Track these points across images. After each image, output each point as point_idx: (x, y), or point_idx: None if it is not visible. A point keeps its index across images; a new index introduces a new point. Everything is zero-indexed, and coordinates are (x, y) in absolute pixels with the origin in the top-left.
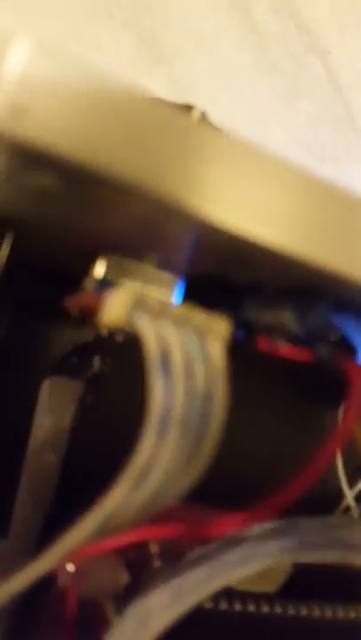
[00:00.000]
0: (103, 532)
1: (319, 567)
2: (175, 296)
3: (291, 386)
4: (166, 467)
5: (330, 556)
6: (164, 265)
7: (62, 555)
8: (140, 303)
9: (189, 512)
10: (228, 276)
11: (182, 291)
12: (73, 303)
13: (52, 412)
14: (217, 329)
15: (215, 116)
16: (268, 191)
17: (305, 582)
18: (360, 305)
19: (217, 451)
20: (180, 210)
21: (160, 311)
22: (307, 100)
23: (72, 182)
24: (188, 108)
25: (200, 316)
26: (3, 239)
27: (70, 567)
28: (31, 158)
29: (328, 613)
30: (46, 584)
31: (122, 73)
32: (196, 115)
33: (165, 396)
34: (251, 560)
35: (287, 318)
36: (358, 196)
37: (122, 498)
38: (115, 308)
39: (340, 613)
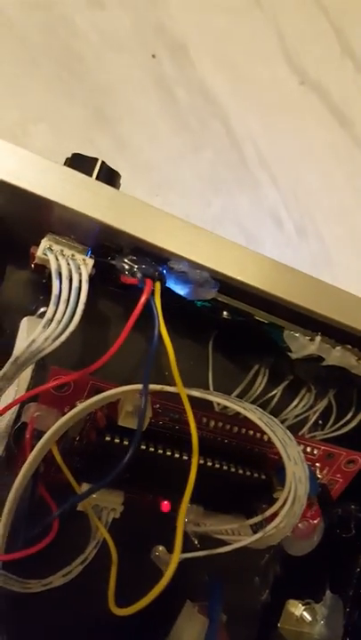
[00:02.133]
0: None
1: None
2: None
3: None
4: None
5: None
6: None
7: None
8: (50, 249)
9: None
10: (105, 243)
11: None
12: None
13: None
14: (87, 262)
15: (143, 164)
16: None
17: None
18: (153, 254)
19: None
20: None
21: (59, 253)
22: (210, 149)
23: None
24: (94, 160)
25: (80, 257)
26: None
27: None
28: None
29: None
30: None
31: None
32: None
33: (58, 288)
34: None
35: (129, 265)
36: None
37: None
38: (39, 251)
39: (177, 455)
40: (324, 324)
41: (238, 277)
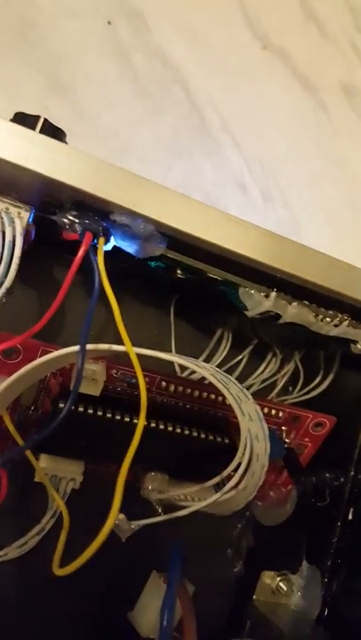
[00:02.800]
0: None
1: None
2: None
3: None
4: None
5: None
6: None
7: None
8: None
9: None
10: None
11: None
12: None
13: None
14: (22, 216)
15: (101, 130)
16: None
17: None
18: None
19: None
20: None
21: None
22: (170, 114)
23: None
24: (36, 117)
25: (14, 210)
26: None
27: None
28: None
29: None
30: None
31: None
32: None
33: None
34: None
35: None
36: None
37: None
38: None
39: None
40: (281, 280)
41: (182, 228)
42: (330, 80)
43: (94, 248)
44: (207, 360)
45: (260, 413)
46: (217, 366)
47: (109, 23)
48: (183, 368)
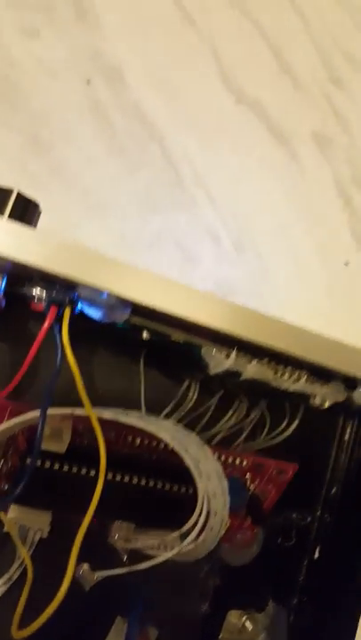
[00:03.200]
0: None
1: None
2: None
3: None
4: None
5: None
6: None
7: None
8: None
9: None
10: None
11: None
12: None
13: None
14: None
15: (80, 187)
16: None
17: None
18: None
19: None
20: None
21: None
22: (146, 171)
23: None
24: (9, 191)
25: None
26: None
27: None
28: None
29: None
30: None
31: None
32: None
33: None
34: None
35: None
36: None
37: None
38: None
39: (110, 476)
40: (239, 340)
41: (144, 302)
42: (302, 131)
43: (60, 317)
44: (175, 408)
45: (220, 470)
46: (185, 414)
47: (88, 82)
48: None
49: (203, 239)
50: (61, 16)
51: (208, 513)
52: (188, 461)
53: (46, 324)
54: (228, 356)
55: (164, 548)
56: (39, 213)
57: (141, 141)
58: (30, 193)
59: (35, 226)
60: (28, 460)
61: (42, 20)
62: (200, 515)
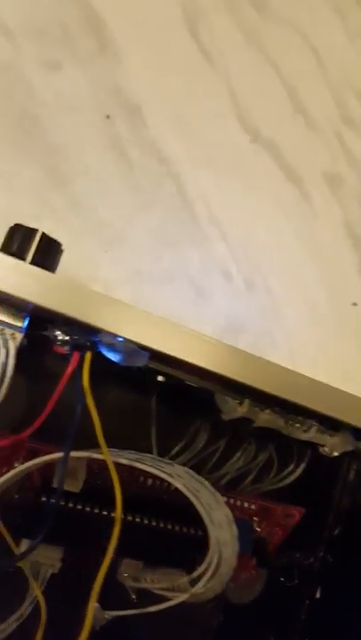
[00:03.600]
0: None
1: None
2: (24, 322)
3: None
4: None
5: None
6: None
7: None
8: None
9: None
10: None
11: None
12: None
13: None
14: (15, 337)
15: (95, 221)
16: None
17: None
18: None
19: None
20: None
21: None
22: (161, 207)
23: None
24: (34, 231)
25: (8, 331)
26: None
27: None
28: None
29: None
30: None
31: (36, 194)
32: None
33: None
34: None
35: (61, 335)
36: None
37: None
38: None
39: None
40: (253, 389)
41: (164, 351)
42: (314, 170)
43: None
44: (185, 448)
45: (230, 516)
46: (194, 455)
47: (108, 117)
48: None
49: (215, 276)
50: (83, 49)
51: (219, 560)
52: (201, 509)
53: (68, 371)
54: (241, 403)
55: (172, 589)
56: (61, 252)
57: (158, 177)
58: (48, 226)
59: (56, 266)
60: (43, 498)
61: (63, 53)
62: (211, 562)
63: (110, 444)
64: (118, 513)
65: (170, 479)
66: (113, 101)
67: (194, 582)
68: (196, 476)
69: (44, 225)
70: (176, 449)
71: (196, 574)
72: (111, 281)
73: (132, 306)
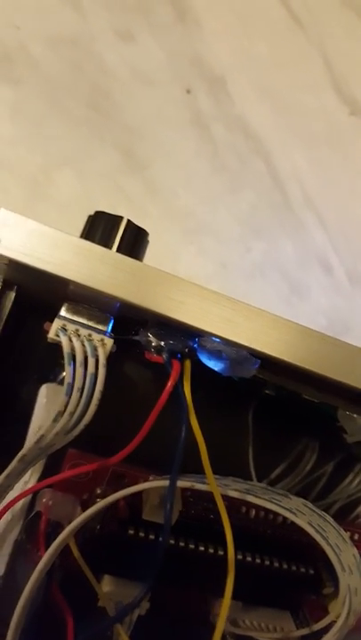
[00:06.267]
0: None
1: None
2: (108, 325)
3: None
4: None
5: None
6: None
7: None
8: (63, 329)
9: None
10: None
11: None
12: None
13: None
14: (105, 343)
15: (177, 209)
16: None
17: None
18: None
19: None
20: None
21: (74, 333)
22: (250, 190)
23: None
24: (119, 218)
25: (96, 336)
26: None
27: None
28: None
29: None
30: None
31: (110, 179)
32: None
33: (71, 375)
34: None
35: (155, 340)
36: None
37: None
38: (51, 332)
39: (210, 550)
40: None
41: (284, 358)
42: None
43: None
44: (288, 471)
45: (358, 558)
46: (299, 480)
47: (188, 92)
48: None
49: (312, 268)
50: (159, 18)
51: (348, 611)
52: (330, 553)
53: (170, 384)
54: None
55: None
56: (147, 243)
57: (246, 157)
58: (125, 215)
59: (143, 258)
60: (131, 531)
61: (137, 23)
62: (340, 615)
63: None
64: (231, 556)
65: (293, 517)
66: (193, 74)
67: (312, 635)
68: (318, 510)
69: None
70: (278, 470)
71: (317, 627)
72: (193, 276)
73: (246, 304)
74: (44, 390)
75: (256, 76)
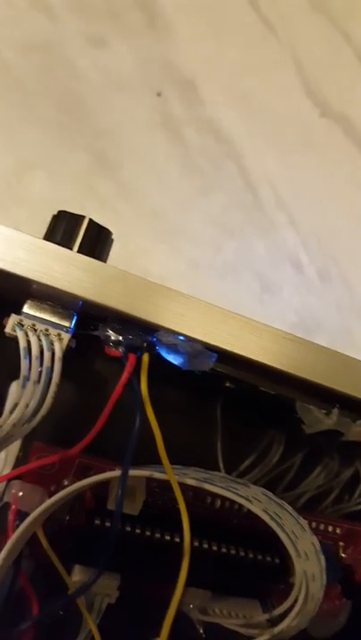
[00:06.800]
0: None
1: None
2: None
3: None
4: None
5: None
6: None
7: None
8: (19, 324)
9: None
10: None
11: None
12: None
13: None
14: (62, 337)
15: (149, 210)
16: None
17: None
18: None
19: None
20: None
21: (30, 328)
22: (221, 192)
23: None
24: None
25: (53, 331)
26: None
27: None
28: None
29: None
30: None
31: (82, 181)
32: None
33: (27, 368)
34: None
35: (114, 336)
36: None
37: None
38: (8, 327)
39: (177, 539)
40: (343, 395)
41: (236, 351)
42: None
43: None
44: (256, 462)
45: (318, 545)
46: (267, 472)
47: (159, 95)
48: None
49: (284, 267)
50: (130, 24)
51: (306, 595)
52: (285, 539)
53: (124, 376)
54: (328, 413)
55: (248, 625)
56: (111, 242)
57: (217, 160)
58: (97, 216)
59: (106, 257)
60: (97, 521)
61: (109, 28)
62: (297, 599)
63: (170, 459)
64: (187, 542)
65: (248, 505)
66: (164, 77)
67: (275, 620)
68: (276, 498)
69: (91, 215)
70: (246, 462)
71: (277, 612)
72: (166, 275)
73: (198, 300)
74: (14, 387)
75: (227, 79)
